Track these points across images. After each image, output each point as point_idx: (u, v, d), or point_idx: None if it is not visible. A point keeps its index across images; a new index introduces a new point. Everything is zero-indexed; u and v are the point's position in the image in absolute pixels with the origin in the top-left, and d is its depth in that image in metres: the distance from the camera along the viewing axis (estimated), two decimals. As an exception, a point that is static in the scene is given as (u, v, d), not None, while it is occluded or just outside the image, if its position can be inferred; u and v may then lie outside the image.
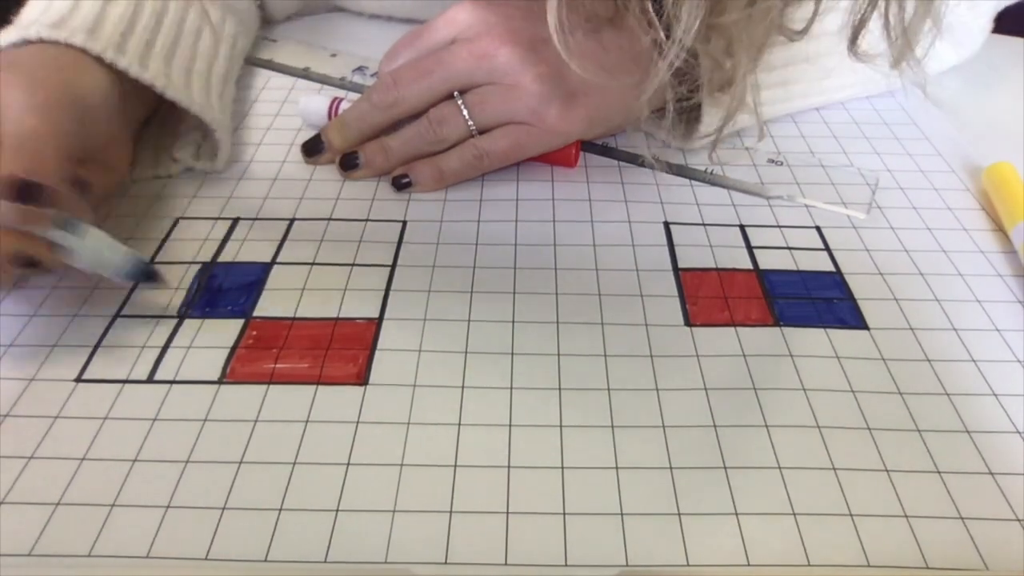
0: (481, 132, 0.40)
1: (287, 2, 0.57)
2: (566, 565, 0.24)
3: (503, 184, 0.41)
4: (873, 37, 0.35)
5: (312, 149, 0.42)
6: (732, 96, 0.35)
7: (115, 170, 0.38)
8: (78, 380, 0.30)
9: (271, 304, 0.34)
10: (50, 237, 0.30)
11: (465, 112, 0.39)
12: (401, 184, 0.40)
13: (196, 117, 0.40)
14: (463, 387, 0.30)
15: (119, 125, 0.38)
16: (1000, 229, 0.38)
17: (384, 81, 0.40)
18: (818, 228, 0.38)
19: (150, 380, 0.30)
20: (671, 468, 0.27)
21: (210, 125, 0.41)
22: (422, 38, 0.41)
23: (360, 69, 0.50)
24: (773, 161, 0.42)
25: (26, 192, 0.30)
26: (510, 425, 0.29)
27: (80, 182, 0.34)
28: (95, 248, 0.31)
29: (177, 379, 0.30)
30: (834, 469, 0.27)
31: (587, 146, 0.43)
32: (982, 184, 0.41)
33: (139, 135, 0.42)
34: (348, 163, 0.41)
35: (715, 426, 0.29)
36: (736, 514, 0.26)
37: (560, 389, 0.30)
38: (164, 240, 0.37)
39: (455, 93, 0.39)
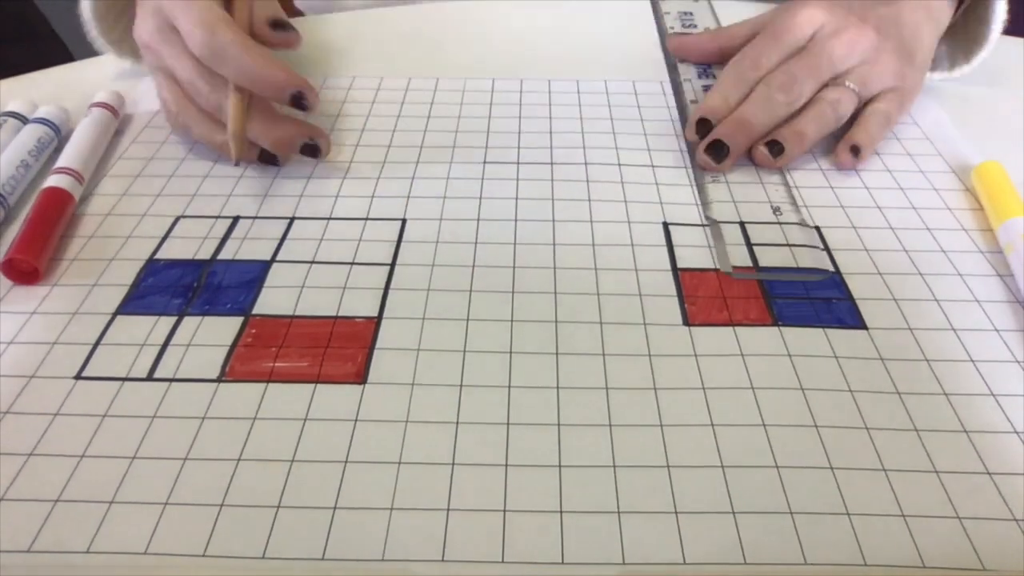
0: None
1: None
2: (563, 563, 0.25)
3: (503, 183, 0.41)
4: None
5: (719, 154, 0.42)
6: None
7: None
8: (78, 377, 0.30)
9: (270, 302, 0.34)
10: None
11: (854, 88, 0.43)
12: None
13: None
14: (461, 386, 0.30)
15: None
16: (999, 229, 0.38)
17: (782, 80, 0.42)
18: (817, 228, 0.38)
19: (149, 378, 0.30)
20: (668, 467, 0.27)
21: None
22: (783, 39, 0.44)
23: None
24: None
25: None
26: (508, 423, 0.29)
27: None
28: None
29: (176, 377, 0.30)
30: (831, 468, 0.27)
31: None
32: (972, 184, 0.41)
33: None
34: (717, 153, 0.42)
35: (713, 425, 0.29)
36: (733, 513, 0.26)
37: (558, 388, 0.30)
38: (164, 239, 0.37)
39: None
